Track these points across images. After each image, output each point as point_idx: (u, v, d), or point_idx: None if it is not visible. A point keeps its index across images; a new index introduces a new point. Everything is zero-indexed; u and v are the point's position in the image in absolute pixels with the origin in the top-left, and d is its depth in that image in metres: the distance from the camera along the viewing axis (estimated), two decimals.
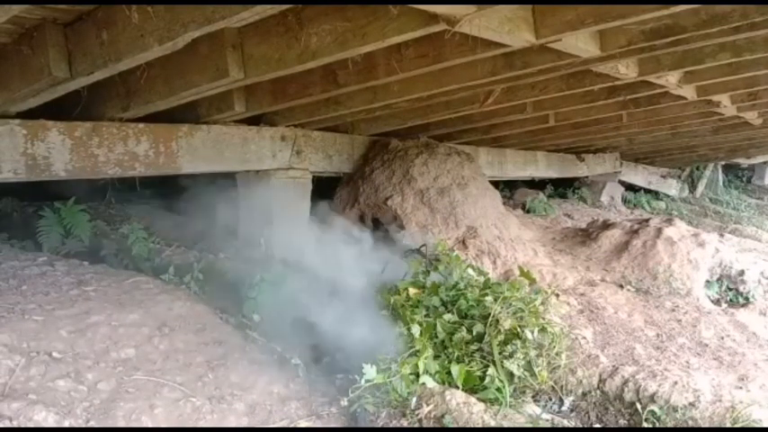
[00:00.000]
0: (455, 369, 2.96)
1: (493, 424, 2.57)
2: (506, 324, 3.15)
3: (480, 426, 2.55)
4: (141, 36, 2.61)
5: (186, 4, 2.45)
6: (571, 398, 3.08)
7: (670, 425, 2.75)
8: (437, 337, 3.18)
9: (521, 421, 2.65)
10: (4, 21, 2.40)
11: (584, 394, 3.08)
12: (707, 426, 2.67)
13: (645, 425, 2.79)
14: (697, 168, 12.19)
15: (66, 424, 2.40)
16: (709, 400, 2.79)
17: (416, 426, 2.65)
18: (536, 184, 9.17)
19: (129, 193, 5.84)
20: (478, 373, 2.98)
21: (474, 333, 3.18)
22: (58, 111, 3.67)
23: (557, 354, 3.19)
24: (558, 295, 4.39)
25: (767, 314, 4.65)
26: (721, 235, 7.14)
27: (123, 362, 2.91)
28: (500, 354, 3.06)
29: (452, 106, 4.90)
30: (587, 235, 5.89)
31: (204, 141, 4.36)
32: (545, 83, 4.45)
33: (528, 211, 7.74)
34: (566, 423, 2.89)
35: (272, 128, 4.86)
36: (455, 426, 2.58)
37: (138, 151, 4.00)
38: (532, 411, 2.87)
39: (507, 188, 8.75)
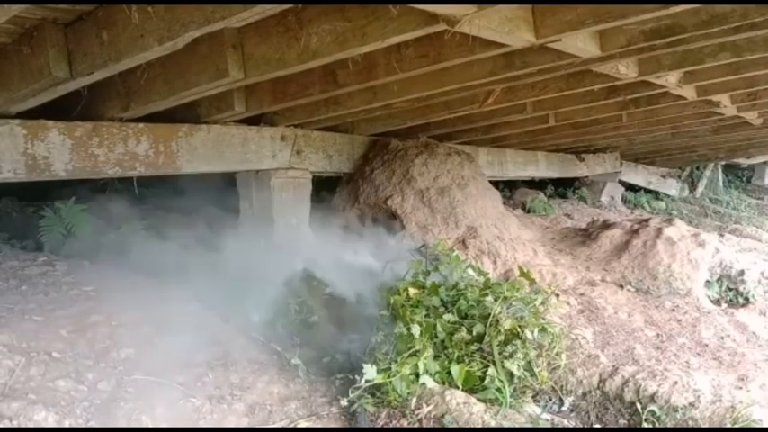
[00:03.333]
0: (455, 369, 2.96)
1: (493, 424, 2.57)
2: (506, 324, 3.15)
3: (480, 426, 2.55)
4: (141, 36, 2.61)
5: (186, 4, 2.45)
6: (571, 398, 3.08)
7: (670, 425, 2.75)
8: (437, 337, 3.18)
9: (521, 421, 2.65)
10: (3, 21, 2.40)
11: (584, 394, 3.08)
12: (707, 426, 2.67)
13: (645, 425, 2.78)
14: (697, 168, 12.18)
15: (66, 424, 2.40)
16: (709, 400, 2.79)
17: (416, 426, 2.65)
18: (536, 184, 9.17)
19: (129, 193, 5.84)
20: (478, 373, 2.98)
21: (474, 333, 3.18)
22: (58, 111, 3.67)
23: (557, 354, 3.19)
24: (558, 295, 4.39)
25: (767, 314, 4.65)
26: (721, 235, 7.14)
27: (123, 362, 2.91)
28: (500, 354, 3.06)
29: (452, 106, 4.90)
30: (587, 235, 5.88)
31: (204, 141, 4.36)
32: (545, 83, 4.45)
33: (528, 211, 7.74)
34: (566, 423, 2.89)
35: (272, 128, 4.86)
36: (455, 426, 2.58)
37: (138, 151, 4.00)
38: (532, 411, 2.87)
39: (507, 188, 8.75)
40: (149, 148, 4.05)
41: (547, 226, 6.85)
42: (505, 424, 2.60)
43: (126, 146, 3.94)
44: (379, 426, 2.69)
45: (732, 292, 5.05)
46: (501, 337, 3.12)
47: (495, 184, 6.90)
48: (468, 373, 2.96)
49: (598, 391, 3.05)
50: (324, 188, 5.83)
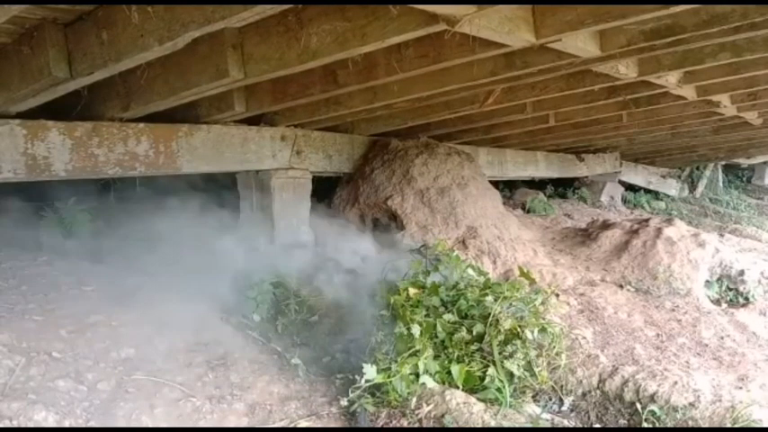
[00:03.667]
0: (455, 369, 2.96)
1: (493, 424, 2.57)
2: (506, 324, 3.14)
3: (480, 426, 2.55)
4: (141, 36, 2.61)
5: (186, 4, 2.45)
6: (571, 398, 3.08)
7: (670, 425, 2.75)
8: (437, 337, 3.17)
9: (521, 421, 2.65)
10: (3, 21, 2.40)
11: (584, 394, 3.08)
12: (707, 426, 2.67)
13: (645, 425, 2.78)
14: (697, 168, 12.18)
15: (66, 424, 2.40)
16: (709, 400, 2.79)
17: (416, 426, 2.65)
18: (536, 184, 9.17)
19: (130, 192, 5.84)
20: (478, 373, 2.98)
21: (474, 333, 3.18)
22: (58, 111, 3.67)
23: (557, 354, 3.19)
24: (558, 295, 4.39)
25: (767, 314, 4.65)
26: (721, 235, 7.14)
27: (123, 362, 2.91)
28: (500, 354, 3.06)
29: (452, 106, 4.90)
30: (587, 235, 5.88)
31: (204, 141, 4.36)
32: (545, 83, 4.45)
33: (528, 211, 7.74)
34: (566, 423, 2.89)
35: (272, 128, 4.86)
36: (455, 426, 2.58)
37: (139, 151, 4.01)
38: (532, 411, 2.87)
39: (507, 188, 8.75)
40: (149, 148, 4.05)
41: (547, 226, 6.85)
42: (505, 424, 2.60)
43: (126, 146, 3.94)
44: (379, 426, 2.68)
45: (732, 292, 5.05)
46: (501, 337, 3.12)
47: (495, 184, 6.90)
48: (468, 373, 2.96)
49: (598, 391, 3.05)
50: (324, 188, 5.83)
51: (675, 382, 2.89)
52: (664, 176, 11.48)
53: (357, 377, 2.73)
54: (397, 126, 5.48)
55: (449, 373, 2.97)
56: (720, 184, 12.59)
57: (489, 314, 3.21)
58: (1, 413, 2.32)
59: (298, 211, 5.12)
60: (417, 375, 2.85)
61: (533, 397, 3.05)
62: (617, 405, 2.96)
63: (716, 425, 2.66)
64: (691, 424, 2.71)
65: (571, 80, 4.38)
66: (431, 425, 2.63)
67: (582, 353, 3.30)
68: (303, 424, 2.73)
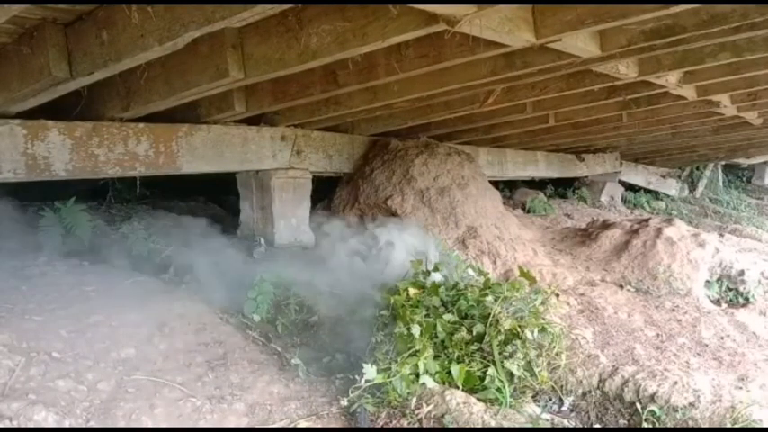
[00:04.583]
0: (455, 369, 2.96)
1: (493, 424, 2.57)
2: (506, 324, 3.14)
3: (480, 426, 2.55)
4: (141, 36, 2.61)
5: (186, 4, 2.45)
6: (571, 398, 3.08)
7: (670, 425, 2.75)
8: (437, 337, 3.17)
9: (521, 421, 2.65)
10: (3, 21, 2.41)
11: (584, 394, 3.08)
12: (707, 426, 2.67)
13: (645, 425, 2.78)
14: (697, 168, 12.18)
15: (66, 424, 2.40)
16: (709, 400, 2.78)
17: (416, 426, 2.65)
18: (536, 184, 9.17)
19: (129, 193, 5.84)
20: (478, 373, 2.98)
21: (474, 333, 3.17)
22: (58, 111, 3.67)
23: (557, 354, 3.19)
24: (558, 295, 4.39)
25: (767, 314, 4.65)
26: (721, 235, 7.14)
27: (123, 362, 2.91)
28: (500, 354, 3.06)
29: (452, 106, 4.90)
30: (587, 235, 5.88)
31: (204, 141, 4.36)
32: (545, 83, 4.45)
33: (528, 211, 7.75)
34: (566, 423, 2.89)
35: (273, 128, 4.86)
36: (455, 426, 2.58)
37: (139, 151, 4.01)
38: (532, 411, 2.86)
39: (507, 188, 8.75)
40: (149, 148, 4.05)
41: (547, 226, 6.85)
42: (505, 424, 2.60)
43: (126, 146, 3.94)
44: (379, 426, 2.68)
45: (732, 292, 5.06)
46: (501, 337, 3.12)
47: (495, 184, 6.90)
48: (468, 373, 2.96)
49: (598, 391, 3.05)
50: (324, 188, 5.83)
51: (675, 382, 2.89)
52: (664, 176, 11.48)
53: (357, 377, 2.73)
54: (397, 126, 5.49)
55: (449, 373, 2.97)
56: (720, 184, 12.58)
57: (489, 314, 3.20)
58: (1, 413, 2.32)
59: (297, 211, 5.13)
60: (417, 375, 2.85)
61: (533, 397, 3.05)
62: (617, 405, 2.96)
63: (716, 425, 2.66)
64: (691, 424, 2.71)
65: (571, 80, 4.39)
66: (431, 425, 2.63)
67: (582, 353, 3.30)
68: (303, 424, 2.73)
